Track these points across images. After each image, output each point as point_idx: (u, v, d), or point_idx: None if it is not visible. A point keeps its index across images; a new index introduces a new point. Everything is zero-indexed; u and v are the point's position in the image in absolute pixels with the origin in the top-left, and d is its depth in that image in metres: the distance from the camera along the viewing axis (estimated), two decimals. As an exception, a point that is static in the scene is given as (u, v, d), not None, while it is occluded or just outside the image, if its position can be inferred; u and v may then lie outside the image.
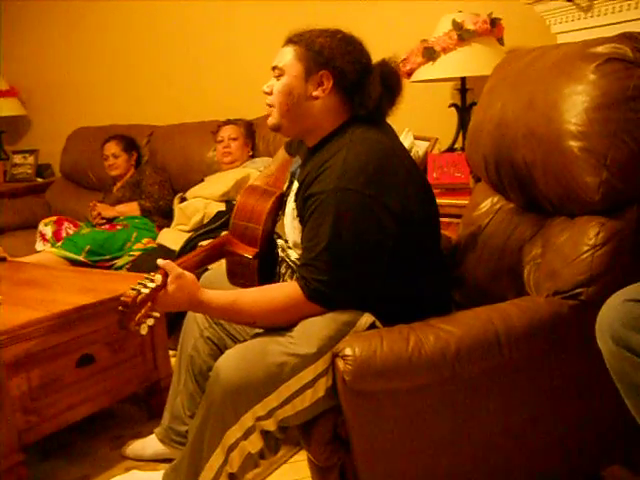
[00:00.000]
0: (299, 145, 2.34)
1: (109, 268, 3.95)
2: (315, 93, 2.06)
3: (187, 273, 1.98)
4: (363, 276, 1.94)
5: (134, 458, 2.73)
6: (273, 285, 2.12)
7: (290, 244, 2.17)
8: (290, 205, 2.16)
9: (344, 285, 1.93)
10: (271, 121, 2.15)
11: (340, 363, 1.78)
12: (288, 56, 2.09)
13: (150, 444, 2.69)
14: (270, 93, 2.13)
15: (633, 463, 2.17)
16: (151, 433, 2.71)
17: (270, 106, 2.13)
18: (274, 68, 2.12)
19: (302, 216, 2.04)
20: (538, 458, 2.02)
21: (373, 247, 1.93)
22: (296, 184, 2.15)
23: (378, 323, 1.95)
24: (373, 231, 1.92)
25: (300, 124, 2.12)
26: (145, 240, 4.20)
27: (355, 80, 2.04)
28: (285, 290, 2.00)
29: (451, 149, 3.69)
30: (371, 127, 2.05)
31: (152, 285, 1.89)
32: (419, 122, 3.68)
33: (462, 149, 3.62)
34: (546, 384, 1.95)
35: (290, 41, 2.12)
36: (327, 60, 2.03)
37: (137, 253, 4.05)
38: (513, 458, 2.00)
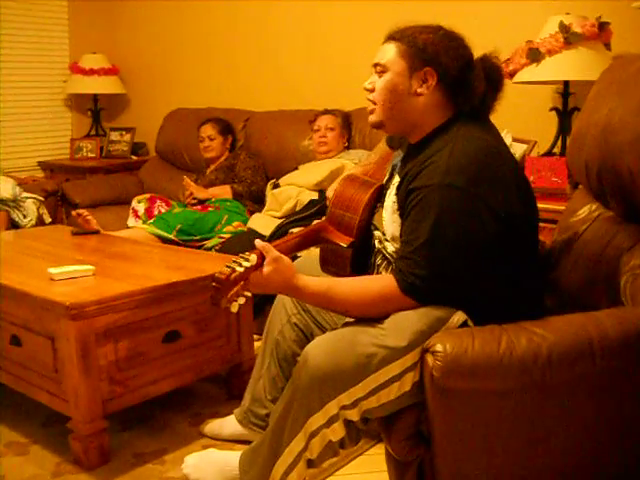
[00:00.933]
0: (401, 139, 2.32)
1: (198, 248, 3.99)
2: (419, 90, 2.04)
3: (284, 257, 2.00)
4: (460, 274, 1.92)
5: (212, 437, 2.77)
6: (368, 276, 2.12)
7: (388, 237, 2.16)
8: (390, 198, 2.15)
9: (440, 281, 1.91)
10: (373, 119, 2.14)
11: (430, 359, 1.76)
12: (390, 53, 2.07)
13: (228, 424, 2.73)
14: (372, 90, 2.11)
15: None
16: (229, 413, 2.75)
17: (372, 103, 2.12)
18: (376, 65, 2.11)
19: (402, 209, 2.03)
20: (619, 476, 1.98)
21: (473, 246, 1.90)
22: (397, 178, 2.14)
23: (470, 322, 1.94)
24: (474, 230, 1.90)
25: (403, 121, 2.10)
26: (235, 223, 4.24)
27: (459, 76, 2.02)
28: (380, 282, 2.00)
29: (549, 153, 3.63)
30: (476, 125, 2.03)
31: (247, 264, 1.91)
32: (518, 124, 3.63)
33: (561, 154, 3.56)
34: (637, 398, 1.90)
35: (391, 38, 2.10)
36: (431, 57, 2.01)
37: (227, 236, 4.09)
38: (594, 473, 1.96)
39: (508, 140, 3.52)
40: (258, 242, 1.99)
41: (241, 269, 1.89)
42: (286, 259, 2.00)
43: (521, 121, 3.70)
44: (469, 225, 1.89)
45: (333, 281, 2.07)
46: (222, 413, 2.85)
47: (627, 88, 2.19)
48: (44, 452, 2.74)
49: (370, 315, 1.97)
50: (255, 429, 2.59)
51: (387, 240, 2.16)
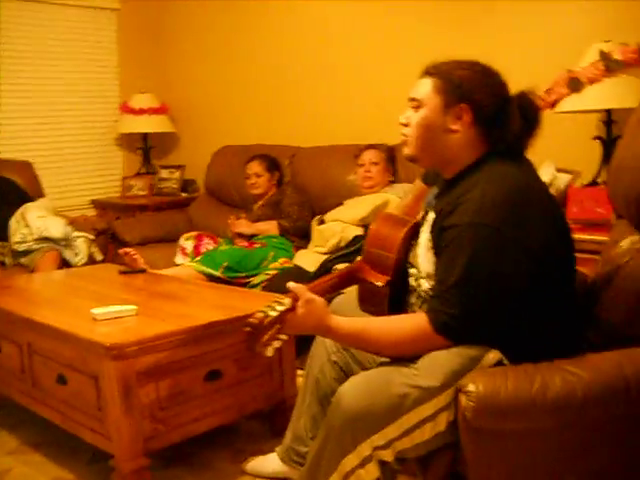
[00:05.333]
0: (436, 175, 2.32)
1: (244, 285, 4.02)
2: (454, 127, 2.04)
3: (317, 298, 2.00)
4: (493, 312, 1.91)
5: (254, 474, 2.77)
6: (401, 315, 2.11)
7: (422, 274, 2.15)
8: (425, 235, 2.15)
9: (473, 320, 1.90)
10: (406, 152, 2.16)
11: (463, 399, 1.75)
12: (426, 88, 2.08)
13: (270, 462, 2.72)
14: (407, 125, 2.12)
15: None
16: (272, 451, 2.74)
17: (405, 137, 2.13)
18: (411, 99, 2.12)
19: (437, 247, 2.03)
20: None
21: (506, 284, 1.90)
22: (431, 215, 2.14)
23: (505, 360, 1.92)
24: (507, 269, 1.89)
25: (437, 157, 2.11)
26: (282, 260, 4.26)
27: (494, 113, 2.02)
28: (413, 321, 1.99)
29: (593, 183, 3.59)
30: (509, 162, 2.02)
31: (281, 308, 1.91)
32: (561, 154, 3.60)
33: (605, 183, 3.52)
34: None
35: (428, 73, 2.11)
36: (466, 93, 2.01)
37: (273, 272, 4.10)
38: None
39: (551, 171, 3.50)
40: (291, 285, 1.99)
41: (274, 313, 1.89)
42: (319, 300, 2.00)
43: (564, 151, 3.67)
44: (501, 264, 1.89)
45: (367, 321, 2.08)
46: (265, 450, 2.84)
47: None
48: (89, 489, 2.77)
49: (403, 354, 1.97)
50: (296, 467, 2.57)
51: (422, 277, 2.15)
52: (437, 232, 2.03)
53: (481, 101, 2.02)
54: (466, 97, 2.02)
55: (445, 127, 2.05)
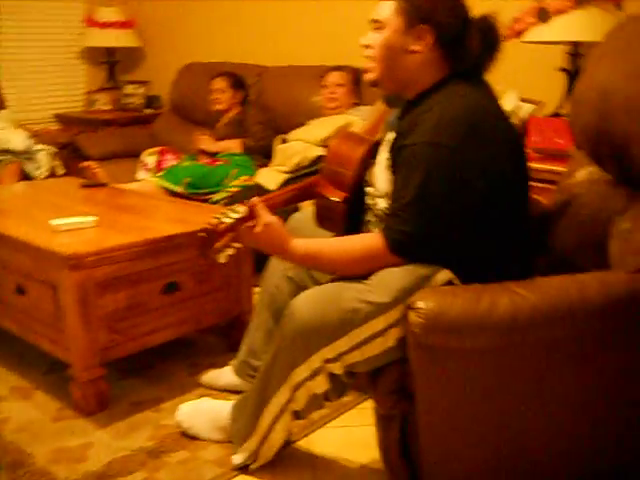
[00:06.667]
0: (398, 97, 2.33)
1: (205, 202, 4.01)
2: (415, 48, 2.04)
3: (275, 220, 2.03)
4: (446, 232, 1.94)
5: (208, 386, 2.82)
6: (355, 236, 2.13)
7: (379, 193, 2.17)
8: (383, 154, 2.17)
9: (426, 238, 1.94)
10: (369, 77, 2.16)
11: (412, 315, 1.78)
12: (388, 9, 2.07)
13: (225, 375, 2.78)
14: (369, 47, 2.12)
15: None
16: (227, 364, 2.80)
17: (369, 59, 2.13)
18: (374, 21, 2.11)
19: (394, 166, 2.05)
20: (598, 443, 1.99)
21: (459, 204, 1.92)
22: (391, 135, 2.15)
23: (457, 280, 1.96)
24: (461, 188, 1.91)
25: (398, 79, 2.11)
26: (244, 177, 4.26)
27: (455, 35, 2.02)
28: (367, 240, 2.03)
29: (556, 114, 3.61)
30: (470, 84, 2.03)
31: (235, 216, 1.93)
32: (526, 84, 3.60)
33: (567, 115, 3.54)
34: (618, 362, 1.90)
35: None
36: (427, 14, 2.01)
37: (235, 189, 4.11)
38: (572, 436, 1.97)
39: (514, 100, 3.51)
40: (255, 200, 2.01)
41: (229, 220, 1.92)
42: (277, 223, 2.04)
43: (529, 81, 3.68)
44: (456, 183, 1.91)
45: (321, 243, 2.10)
46: (220, 364, 2.89)
47: (629, 50, 2.17)
48: (46, 397, 2.81)
49: (358, 273, 2.00)
50: (250, 380, 2.60)
51: (379, 197, 2.17)
52: (395, 151, 2.05)
53: (442, 22, 2.01)
54: (427, 18, 2.01)
55: (406, 48, 2.05)
